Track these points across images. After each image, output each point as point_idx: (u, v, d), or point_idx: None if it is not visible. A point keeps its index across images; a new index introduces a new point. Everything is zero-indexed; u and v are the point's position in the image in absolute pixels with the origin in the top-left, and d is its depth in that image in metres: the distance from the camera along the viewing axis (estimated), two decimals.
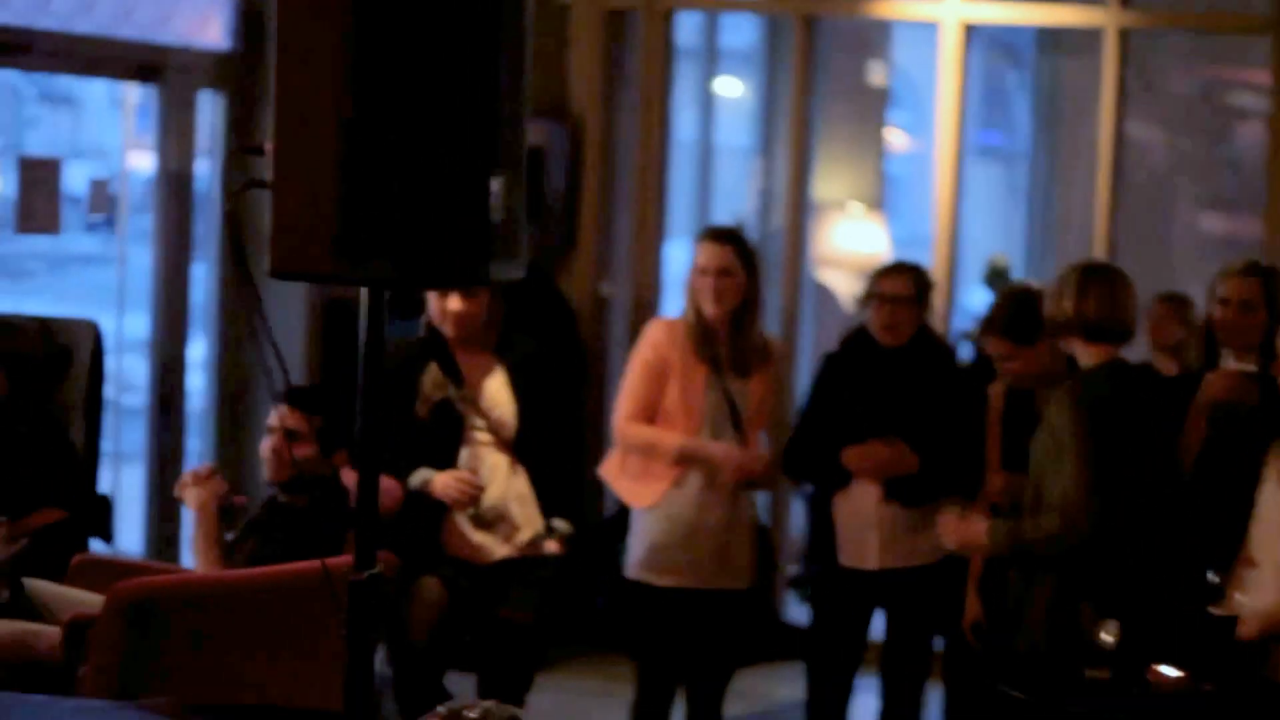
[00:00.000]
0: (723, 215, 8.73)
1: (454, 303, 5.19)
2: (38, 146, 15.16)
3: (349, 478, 4.76)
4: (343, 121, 2.61)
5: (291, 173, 2.68)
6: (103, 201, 8.09)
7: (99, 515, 5.64)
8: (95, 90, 12.77)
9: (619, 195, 7.85)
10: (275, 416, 4.82)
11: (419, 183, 2.64)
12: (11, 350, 5.57)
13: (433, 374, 5.24)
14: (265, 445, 4.80)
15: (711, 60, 9.16)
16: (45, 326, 5.80)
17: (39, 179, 6.88)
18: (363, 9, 2.60)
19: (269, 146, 2.72)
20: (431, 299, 5.24)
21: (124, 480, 7.75)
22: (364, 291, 2.81)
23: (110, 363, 6.19)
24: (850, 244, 9.29)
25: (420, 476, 5.19)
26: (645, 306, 7.63)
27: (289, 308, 6.97)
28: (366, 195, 2.63)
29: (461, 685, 5.49)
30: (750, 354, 5.36)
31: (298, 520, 4.72)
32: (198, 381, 7.65)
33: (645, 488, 5.34)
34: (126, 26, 7.05)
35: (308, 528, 4.67)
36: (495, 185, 2.71)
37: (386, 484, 4.69)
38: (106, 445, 7.75)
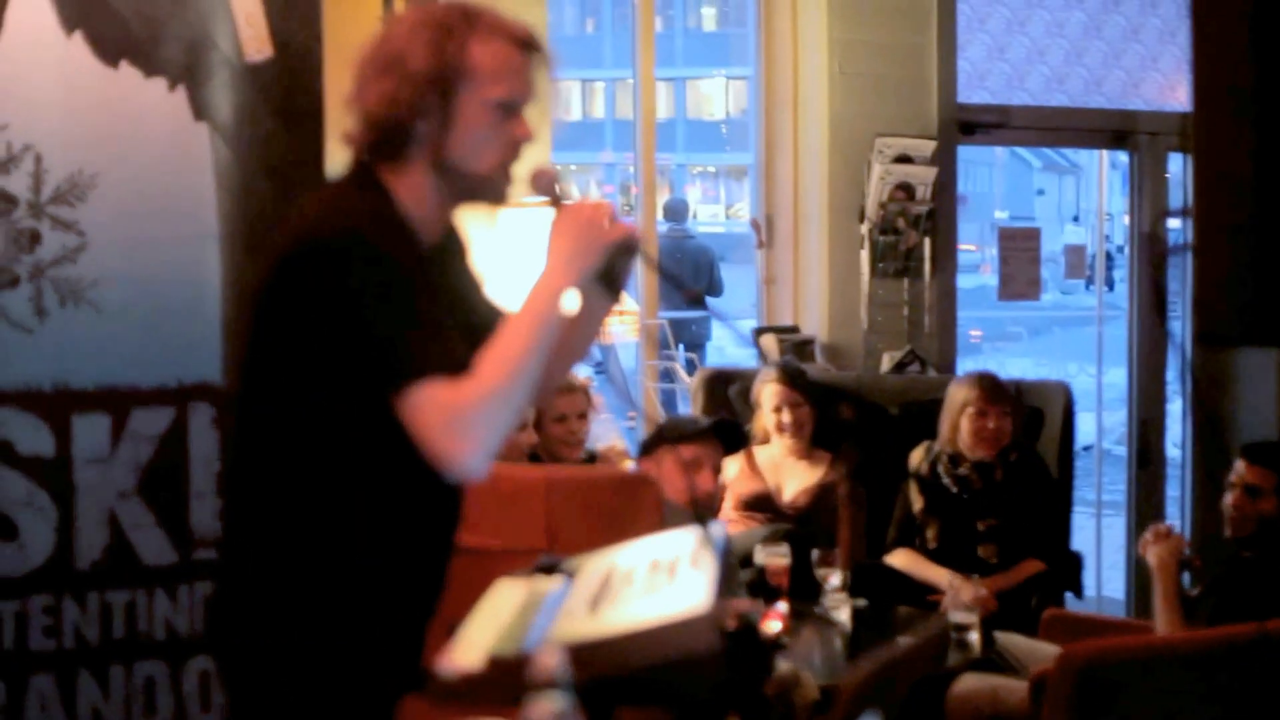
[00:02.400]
0: None
1: None
2: (1037, 212, 15.73)
3: None
4: (1253, 186, 2.67)
5: (1209, 237, 2.77)
6: (1080, 264, 8.40)
7: (1071, 569, 5.85)
8: (1085, 158, 13.18)
9: None
10: (1236, 472, 4.83)
11: None
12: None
13: None
14: (1227, 500, 4.82)
15: None
16: (1019, 387, 6.12)
17: (1019, 248, 7.28)
18: (1268, 71, 2.65)
19: (1190, 210, 2.82)
20: None
21: (1107, 529, 7.98)
22: None
23: (1092, 417, 6.35)
24: None
25: None
26: None
27: (1261, 364, 6.94)
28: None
29: None
30: None
31: (1260, 577, 4.70)
32: (1176, 435, 7.77)
33: None
34: (1097, 96, 7.36)
35: (1270, 585, 4.64)
36: None
37: None
38: (1090, 495, 8.02)
